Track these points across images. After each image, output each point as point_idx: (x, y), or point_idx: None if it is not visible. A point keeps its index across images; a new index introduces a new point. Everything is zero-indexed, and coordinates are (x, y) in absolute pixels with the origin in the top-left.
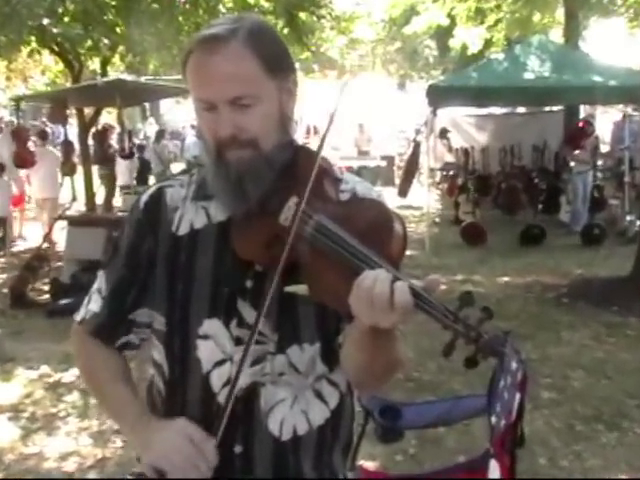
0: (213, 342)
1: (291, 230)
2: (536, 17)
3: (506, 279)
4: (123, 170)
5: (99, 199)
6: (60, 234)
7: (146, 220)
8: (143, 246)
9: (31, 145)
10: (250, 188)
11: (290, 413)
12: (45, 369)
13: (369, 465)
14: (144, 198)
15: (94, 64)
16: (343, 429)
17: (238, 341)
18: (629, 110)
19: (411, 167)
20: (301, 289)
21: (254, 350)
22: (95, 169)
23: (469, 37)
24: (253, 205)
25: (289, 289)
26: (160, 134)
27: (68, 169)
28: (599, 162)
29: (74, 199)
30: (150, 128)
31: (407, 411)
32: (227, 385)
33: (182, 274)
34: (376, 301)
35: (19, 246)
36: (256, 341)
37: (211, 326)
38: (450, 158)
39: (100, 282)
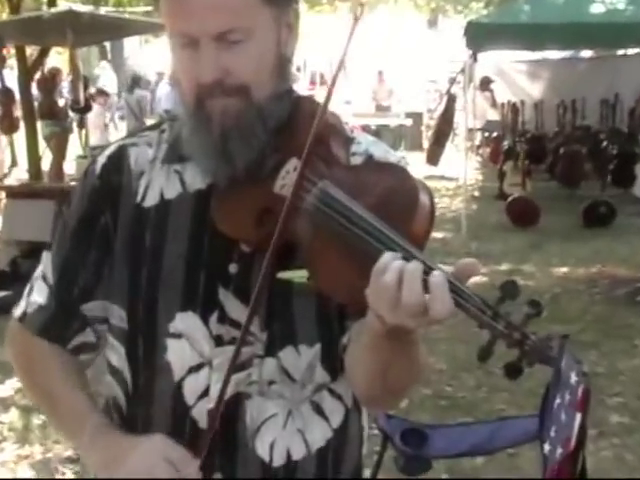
0: (187, 342)
1: (288, 201)
2: None
3: (564, 270)
4: (95, 123)
5: (45, 165)
6: None
7: (103, 188)
8: (98, 220)
9: None
10: (237, 147)
11: (283, 432)
12: None
13: None
14: (101, 160)
15: None
16: (349, 453)
17: (219, 341)
18: None
19: (444, 127)
20: (299, 276)
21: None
22: (40, 126)
23: None
24: (240, 170)
25: (283, 276)
26: (135, 82)
27: (6, 126)
28: None
29: (14, 164)
30: (105, 74)
31: (436, 436)
32: (204, 397)
33: (148, 256)
34: (405, 301)
35: None
36: (235, 341)
37: (185, 321)
38: (494, 115)
39: (45, 266)
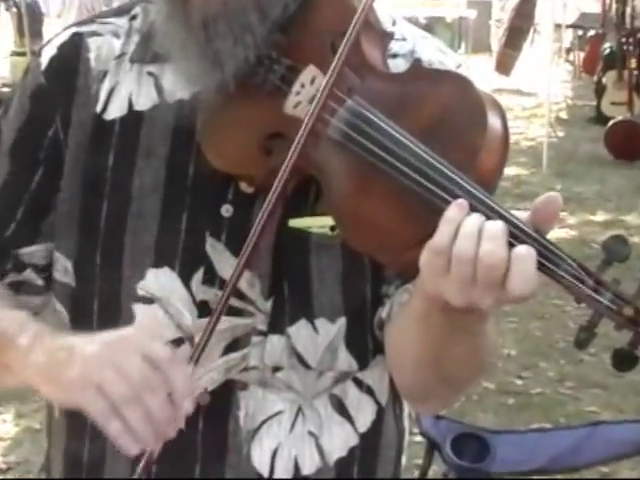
0: (161, 309)
1: (306, 124)
2: None
3: None
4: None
5: None
6: None
7: (51, 89)
8: (44, 133)
9: None
10: (224, 44)
11: (290, 437)
12: None
13: None
14: (49, 52)
15: None
16: (382, 467)
17: (204, 309)
18: None
19: (520, 22)
20: (318, 225)
21: (231, 326)
22: None
23: None
24: (231, 77)
25: (297, 224)
26: None
27: None
28: None
29: None
30: None
31: (501, 444)
32: None
33: (110, 187)
34: (481, 278)
35: None
36: (234, 311)
37: (159, 281)
38: (591, 6)
39: None
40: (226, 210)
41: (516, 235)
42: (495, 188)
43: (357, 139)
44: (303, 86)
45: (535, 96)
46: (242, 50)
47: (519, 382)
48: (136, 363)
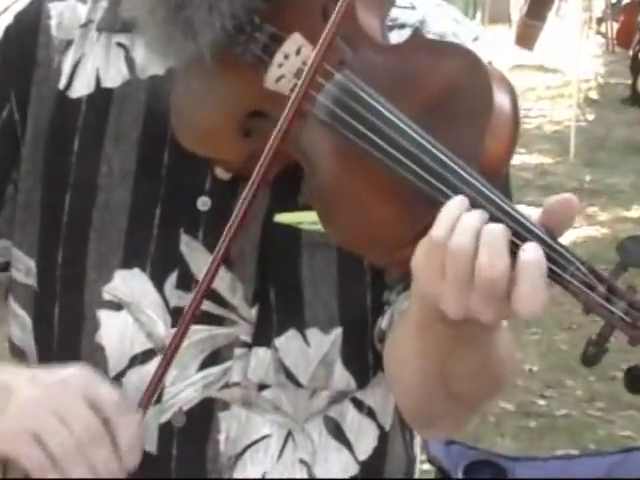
0: (131, 316)
1: (291, 102)
2: None
3: None
4: None
5: None
6: None
7: (7, 62)
8: None
9: None
10: (197, 10)
11: (278, 465)
12: None
13: None
14: (4, 20)
15: None
16: None
17: (178, 317)
18: None
19: None
20: (309, 221)
21: (210, 336)
22: None
23: None
24: (206, 48)
25: (284, 219)
26: None
27: None
28: None
29: None
30: None
31: (521, 472)
32: (155, 404)
33: (74, 176)
34: (479, 288)
35: None
36: (214, 319)
37: (128, 284)
38: None
39: None
40: (203, 203)
41: (521, 235)
42: (501, 178)
43: (345, 119)
44: (287, 57)
45: (561, 73)
46: (218, 17)
47: (542, 402)
48: (80, 410)
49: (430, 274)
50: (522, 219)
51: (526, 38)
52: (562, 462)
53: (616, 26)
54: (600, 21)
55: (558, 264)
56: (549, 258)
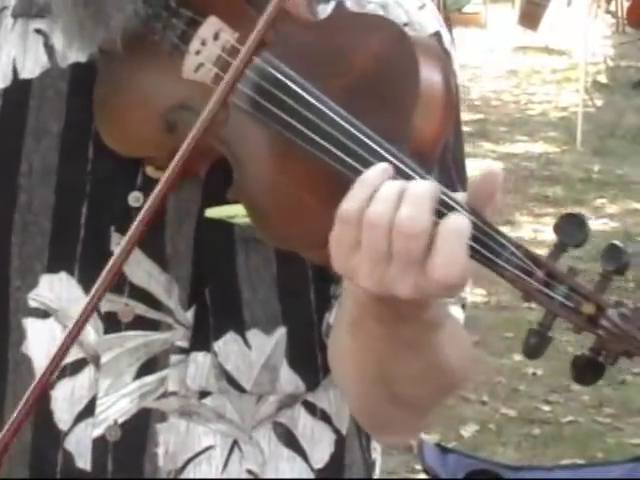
0: (59, 324)
1: (217, 91)
2: None
3: None
4: None
5: None
6: None
7: None
8: None
9: None
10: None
11: (223, 477)
12: None
13: None
14: None
15: None
16: None
17: (111, 323)
18: None
19: None
20: (241, 214)
21: (145, 342)
22: None
23: None
24: (119, 35)
25: (213, 214)
26: None
27: None
28: None
29: None
30: None
31: None
32: (86, 417)
33: None
34: (397, 252)
35: None
36: (149, 323)
37: (55, 289)
38: None
39: None
40: (135, 199)
41: (450, 209)
42: (433, 157)
43: (267, 107)
44: (204, 43)
45: (568, 55)
46: (130, 1)
47: (546, 408)
48: None
49: (344, 245)
50: (454, 203)
51: (530, 17)
52: (568, 472)
53: (627, 4)
54: None
55: (491, 249)
56: (480, 242)
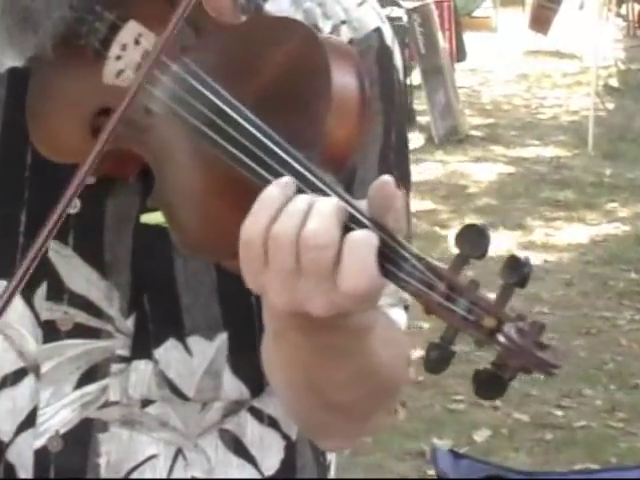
0: None
1: (128, 96)
2: None
3: None
4: None
5: None
6: None
7: None
8: None
9: None
10: (36, 3)
11: None
12: None
13: None
14: None
15: None
16: None
17: (51, 331)
18: None
19: None
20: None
21: (85, 351)
22: None
23: None
24: (47, 43)
25: (148, 219)
26: None
27: None
28: None
29: None
30: None
31: None
32: (28, 428)
33: None
34: (306, 267)
35: None
36: (89, 331)
37: None
38: None
39: None
40: (72, 205)
41: (354, 223)
42: (346, 163)
43: (182, 115)
44: (125, 48)
45: (579, 59)
46: (56, 7)
47: (559, 413)
48: None
49: (253, 264)
50: (359, 215)
51: (540, 21)
52: (581, 477)
53: (638, 8)
54: (620, 3)
55: (393, 262)
56: (382, 255)
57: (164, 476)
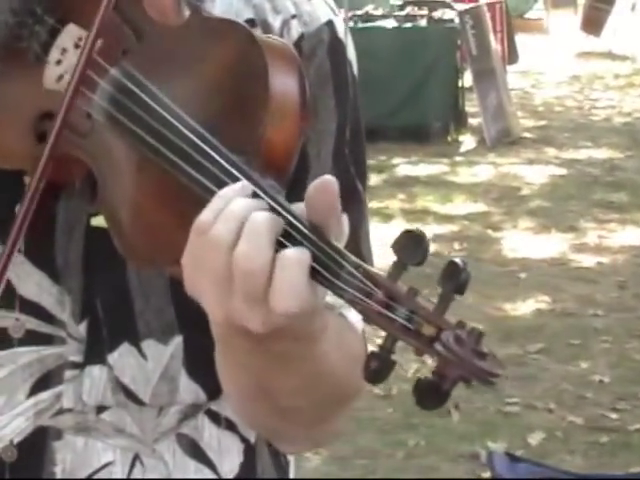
0: None
1: (64, 101)
2: None
3: None
4: None
5: None
6: None
7: None
8: None
9: None
10: None
11: None
12: None
13: None
14: None
15: None
16: None
17: (2, 338)
18: None
19: None
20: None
21: (38, 358)
22: None
23: None
24: None
25: (99, 222)
26: None
27: None
28: None
29: None
30: None
31: None
32: None
33: None
34: (239, 287)
35: None
36: (41, 337)
37: None
38: None
39: None
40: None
41: (288, 233)
42: (288, 170)
43: (122, 121)
44: (64, 52)
45: (632, 60)
46: None
47: (614, 416)
48: None
49: (192, 269)
50: (294, 220)
51: (593, 23)
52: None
53: None
54: None
55: (330, 269)
56: (319, 262)
57: None
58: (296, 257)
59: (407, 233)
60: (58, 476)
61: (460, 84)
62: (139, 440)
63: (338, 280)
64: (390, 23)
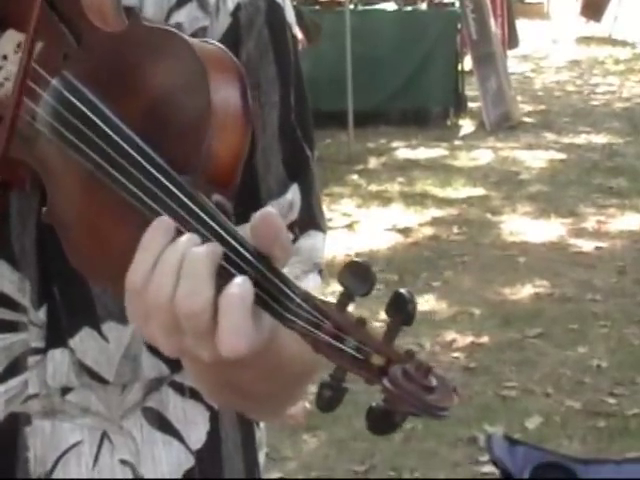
0: None
1: (11, 109)
2: None
3: None
4: None
5: None
6: None
7: None
8: None
9: None
10: None
11: (95, 472)
12: None
13: None
14: None
15: None
16: None
17: None
18: None
19: None
20: None
21: (4, 345)
22: None
23: None
24: None
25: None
26: None
27: None
28: None
29: None
30: None
31: (593, 475)
32: None
33: None
34: (186, 326)
35: None
36: (6, 325)
37: None
38: None
39: None
40: None
41: (232, 260)
42: (236, 178)
43: (64, 134)
44: (6, 58)
45: (632, 45)
46: None
47: (612, 401)
48: None
49: (138, 322)
50: (240, 248)
51: (593, 8)
52: (635, 465)
53: None
54: None
55: (278, 301)
56: (268, 294)
57: (90, 462)
58: (238, 295)
59: (354, 264)
60: (31, 461)
61: (460, 68)
62: (105, 418)
63: (288, 313)
64: (391, 6)
